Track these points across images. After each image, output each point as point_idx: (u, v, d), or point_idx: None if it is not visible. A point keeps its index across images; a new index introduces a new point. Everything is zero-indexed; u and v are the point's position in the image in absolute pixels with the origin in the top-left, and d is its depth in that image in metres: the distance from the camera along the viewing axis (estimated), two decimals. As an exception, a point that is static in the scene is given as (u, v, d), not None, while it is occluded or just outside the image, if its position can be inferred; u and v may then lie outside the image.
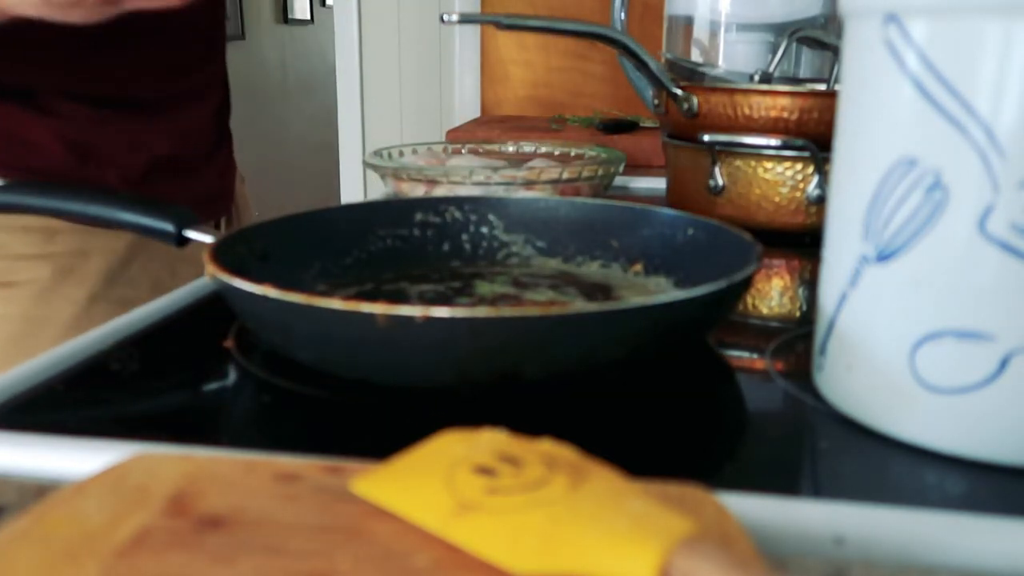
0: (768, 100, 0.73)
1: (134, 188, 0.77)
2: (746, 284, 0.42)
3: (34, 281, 0.72)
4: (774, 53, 0.82)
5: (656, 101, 0.86)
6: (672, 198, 0.86)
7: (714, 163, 0.76)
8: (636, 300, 0.38)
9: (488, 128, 1.77)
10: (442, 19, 0.73)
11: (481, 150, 0.98)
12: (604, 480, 0.25)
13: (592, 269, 0.58)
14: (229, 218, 0.92)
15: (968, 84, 0.32)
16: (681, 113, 0.79)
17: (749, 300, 0.58)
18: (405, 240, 0.59)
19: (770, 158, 0.73)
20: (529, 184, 0.77)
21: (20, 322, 0.72)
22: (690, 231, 0.54)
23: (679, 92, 0.79)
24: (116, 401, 0.42)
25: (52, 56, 0.71)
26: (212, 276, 0.41)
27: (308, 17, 4.66)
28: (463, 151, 0.97)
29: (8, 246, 0.71)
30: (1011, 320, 0.33)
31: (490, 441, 0.28)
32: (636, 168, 1.17)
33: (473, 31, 2.27)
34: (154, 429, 0.39)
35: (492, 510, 0.24)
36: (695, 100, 0.78)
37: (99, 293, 0.74)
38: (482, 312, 0.36)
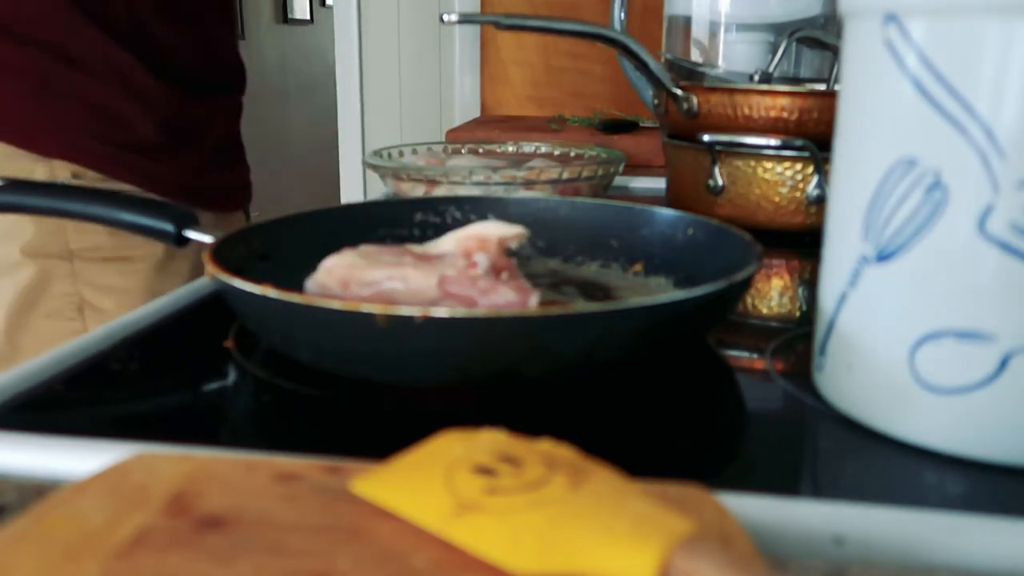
0: (768, 100, 0.73)
1: (206, 168, 0.81)
2: (746, 284, 0.42)
3: (150, 256, 0.76)
4: (774, 53, 0.82)
5: (656, 101, 0.86)
6: (672, 198, 0.86)
7: (714, 163, 0.76)
8: (636, 300, 0.38)
9: (488, 128, 1.77)
10: (442, 19, 0.73)
11: (481, 150, 0.98)
12: (604, 480, 0.25)
13: (592, 269, 0.58)
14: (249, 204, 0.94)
15: (968, 84, 0.32)
16: (681, 113, 0.79)
17: (749, 300, 0.58)
18: (405, 240, 0.59)
19: (770, 158, 0.73)
20: (529, 184, 0.77)
21: (143, 294, 0.76)
22: (690, 231, 0.54)
23: (679, 92, 0.79)
24: (116, 401, 0.42)
25: (138, 32, 0.74)
26: (212, 276, 0.41)
27: (308, 17, 4.66)
28: (463, 151, 0.97)
29: None
30: (1011, 320, 0.33)
31: (490, 441, 0.28)
32: (636, 168, 1.17)
33: (473, 31, 2.27)
34: (154, 429, 0.39)
35: (492, 510, 0.24)
36: (695, 100, 0.78)
37: (198, 267, 0.78)
38: (482, 312, 0.36)
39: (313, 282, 0.44)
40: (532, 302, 0.41)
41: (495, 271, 0.43)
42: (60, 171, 0.71)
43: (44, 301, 0.74)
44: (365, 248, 0.46)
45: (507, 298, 0.41)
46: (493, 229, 0.46)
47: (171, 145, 0.77)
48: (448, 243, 0.47)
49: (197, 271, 0.78)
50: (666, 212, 0.56)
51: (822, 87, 0.83)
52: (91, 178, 0.72)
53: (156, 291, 0.75)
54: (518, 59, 2.26)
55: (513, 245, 0.47)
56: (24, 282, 0.73)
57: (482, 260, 0.44)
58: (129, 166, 0.73)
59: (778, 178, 0.74)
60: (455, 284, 0.41)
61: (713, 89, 0.77)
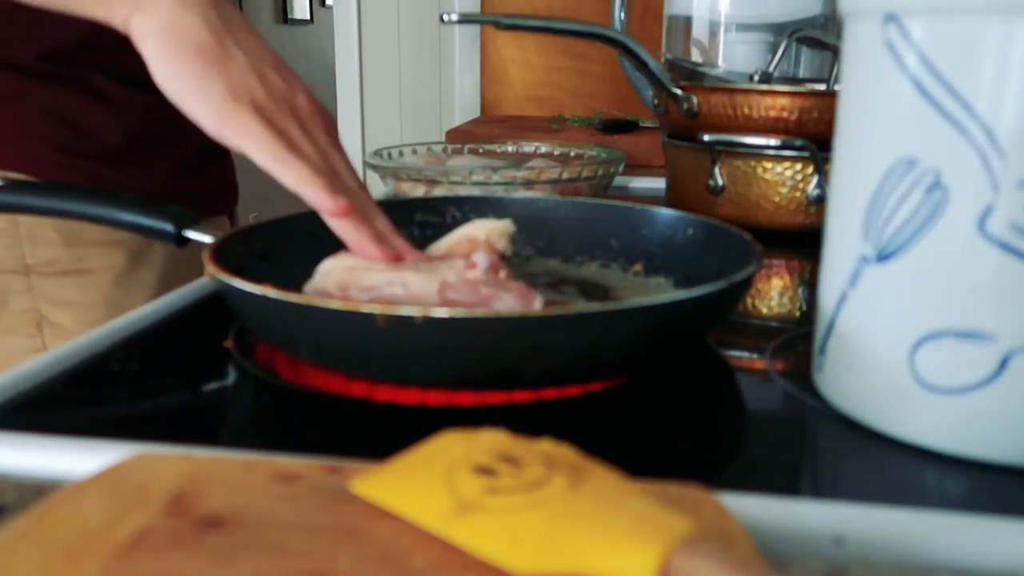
0: (768, 100, 0.73)
1: (185, 174, 0.79)
2: (746, 284, 0.42)
3: (110, 267, 0.73)
4: (774, 53, 0.82)
5: (656, 101, 0.86)
6: (672, 198, 0.86)
7: (714, 163, 0.76)
8: (636, 300, 0.38)
9: (488, 128, 1.77)
10: (442, 19, 0.73)
11: (481, 150, 0.98)
12: (604, 480, 0.25)
13: (592, 269, 0.58)
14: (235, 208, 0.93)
15: (968, 84, 0.32)
16: (681, 113, 0.79)
17: (749, 300, 0.58)
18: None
19: (770, 158, 0.73)
20: (529, 184, 0.77)
21: (103, 307, 0.73)
22: (690, 231, 0.54)
23: (679, 92, 0.79)
24: (116, 401, 0.42)
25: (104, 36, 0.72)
26: (212, 276, 0.41)
27: (308, 17, 4.66)
28: (463, 151, 0.97)
29: (81, 234, 0.71)
30: (1011, 320, 0.33)
31: (490, 441, 0.28)
32: (636, 168, 1.17)
33: (473, 31, 2.27)
34: (154, 429, 0.39)
35: (492, 510, 0.24)
36: (695, 100, 0.78)
37: (168, 277, 0.76)
38: (481, 312, 0.36)
39: (311, 287, 0.44)
40: (536, 307, 0.41)
41: (493, 269, 0.43)
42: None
43: (3, 318, 0.72)
44: None
45: (510, 305, 0.40)
46: (479, 229, 0.46)
47: (142, 151, 0.75)
48: (441, 248, 0.47)
49: (165, 282, 0.75)
50: (666, 212, 0.56)
51: (822, 87, 0.83)
52: None
53: (117, 304, 0.73)
54: (518, 59, 2.26)
55: (500, 245, 0.46)
56: None
57: (481, 260, 0.43)
58: (86, 174, 0.71)
59: (778, 178, 0.74)
60: (456, 291, 0.41)
61: (713, 89, 0.77)
